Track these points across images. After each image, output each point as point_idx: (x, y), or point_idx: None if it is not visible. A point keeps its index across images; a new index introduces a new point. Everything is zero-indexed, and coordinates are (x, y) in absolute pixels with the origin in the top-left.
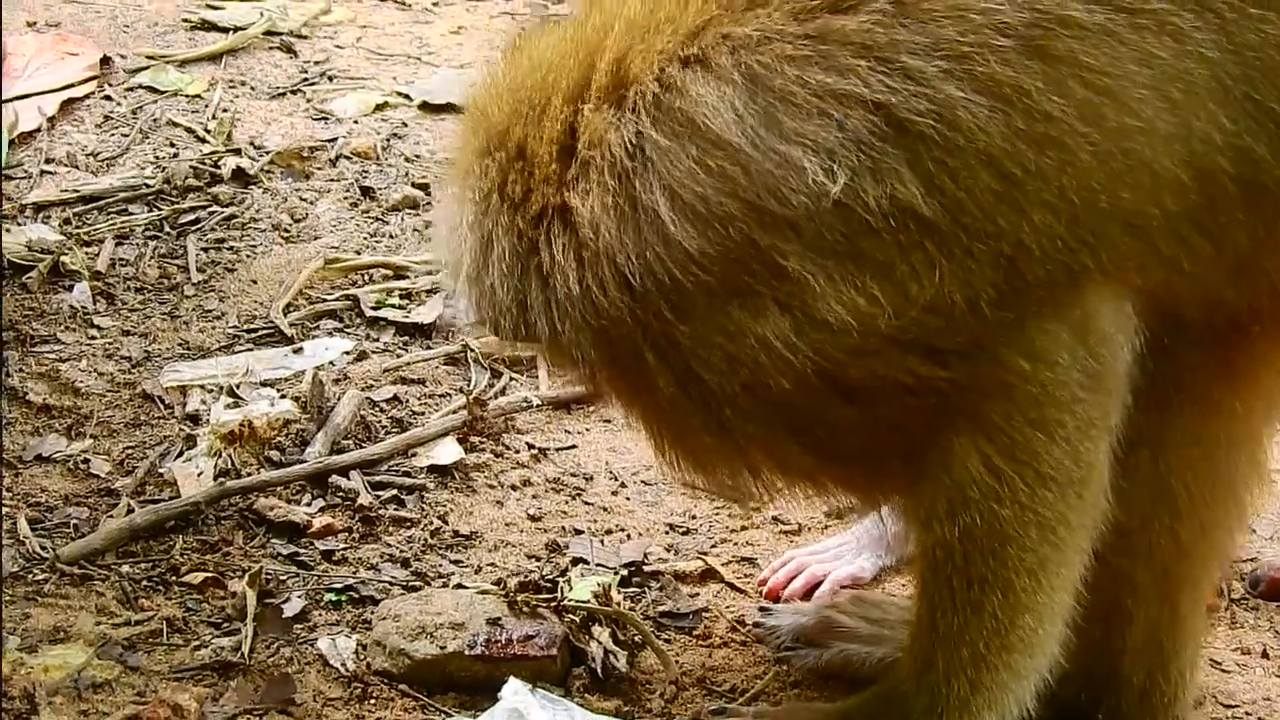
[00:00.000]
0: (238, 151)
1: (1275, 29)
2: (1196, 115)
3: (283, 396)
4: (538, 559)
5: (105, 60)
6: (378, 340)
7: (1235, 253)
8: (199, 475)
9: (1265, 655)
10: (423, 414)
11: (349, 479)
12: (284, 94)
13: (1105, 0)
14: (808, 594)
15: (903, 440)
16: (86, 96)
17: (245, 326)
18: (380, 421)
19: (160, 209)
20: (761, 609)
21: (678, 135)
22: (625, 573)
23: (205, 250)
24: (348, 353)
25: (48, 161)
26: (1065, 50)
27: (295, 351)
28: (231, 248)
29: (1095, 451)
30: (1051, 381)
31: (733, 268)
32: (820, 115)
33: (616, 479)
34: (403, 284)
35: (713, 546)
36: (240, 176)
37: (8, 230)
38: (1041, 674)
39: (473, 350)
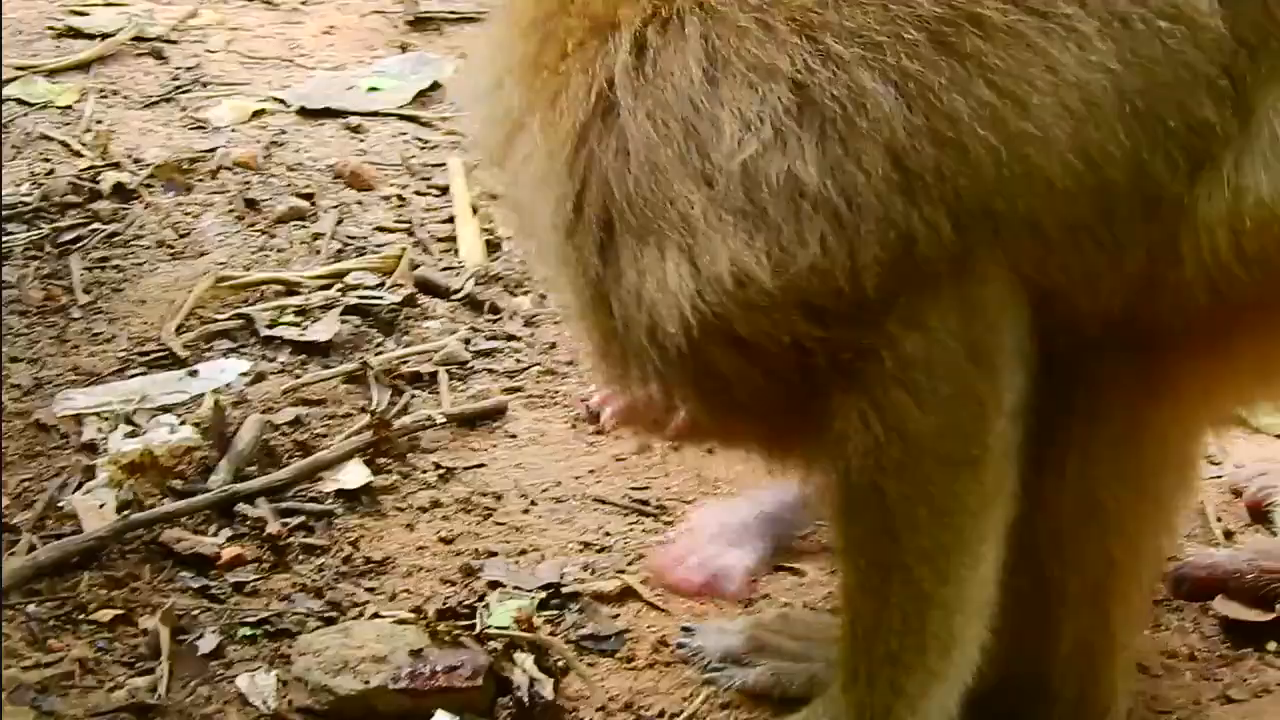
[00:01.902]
0: (116, 165)
1: (1180, 44)
2: (1096, 127)
3: (182, 423)
4: (453, 584)
5: None
6: (274, 360)
7: (1136, 266)
8: (101, 507)
9: (1193, 658)
10: (326, 436)
11: (255, 506)
12: (157, 103)
13: (1018, 1)
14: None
15: (795, 396)
16: None
17: (137, 349)
18: (283, 445)
19: (40, 227)
20: (685, 629)
21: (648, 85)
22: (543, 595)
23: (89, 270)
24: (244, 374)
25: None
26: (973, 49)
27: (190, 374)
28: (117, 266)
29: (986, 432)
30: (926, 346)
31: (653, 211)
32: (748, 86)
33: (526, 497)
34: (296, 300)
35: (630, 564)
36: (121, 191)
37: None
38: (964, 678)
39: (373, 368)
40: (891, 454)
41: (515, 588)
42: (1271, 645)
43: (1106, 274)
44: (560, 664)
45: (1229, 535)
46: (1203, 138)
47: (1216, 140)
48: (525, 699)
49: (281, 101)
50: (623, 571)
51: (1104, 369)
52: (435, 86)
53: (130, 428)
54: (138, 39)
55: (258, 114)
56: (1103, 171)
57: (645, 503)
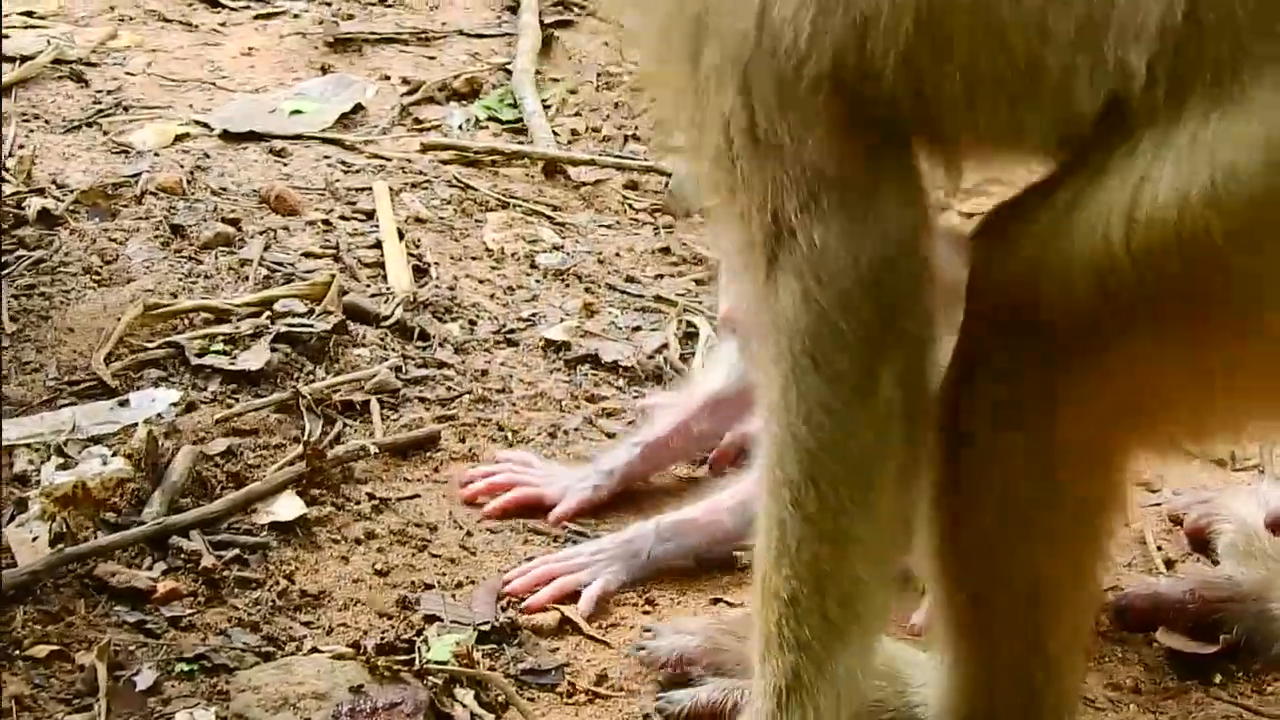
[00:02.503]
0: (41, 191)
1: None
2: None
3: (114, 454)
4: (390, 617)
5: None
6: (205, 389)
7: None
8: (34, 540)
9: (1137, 690)
10: (258, 466)
11: (190, 539)
12: (80, 127)
13: None
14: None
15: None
16: None
17: (66, 379)
18: (216, 476)
19: None
20: (646, 630)
21: None
22: (482, 629)
23: (16, 298)
24: (175, 404)
25: None
26: None
27: (121, 404)
28: (43, 294)
29: (876, 362)
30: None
31: None
32: None
33: (461, 528)
34: (225, 328)
35: (568, 596)
36: (46, 218)
37: None
38: (867, 642)
39: (304, 397)
40: (795, 347)
41: (453, 621)
42: (1216, 677)
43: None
44: (500, 699)
45: (1170, 564)
46: (1127, 94)
47: (1141, 112)
48: None
49: (204, 125)
50: (561, 604)
51: (1022, 373)
52: (357, 109)
53: (62, 459)
54: (58, 61)
55: (180, 138)
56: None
57: (582, 534)
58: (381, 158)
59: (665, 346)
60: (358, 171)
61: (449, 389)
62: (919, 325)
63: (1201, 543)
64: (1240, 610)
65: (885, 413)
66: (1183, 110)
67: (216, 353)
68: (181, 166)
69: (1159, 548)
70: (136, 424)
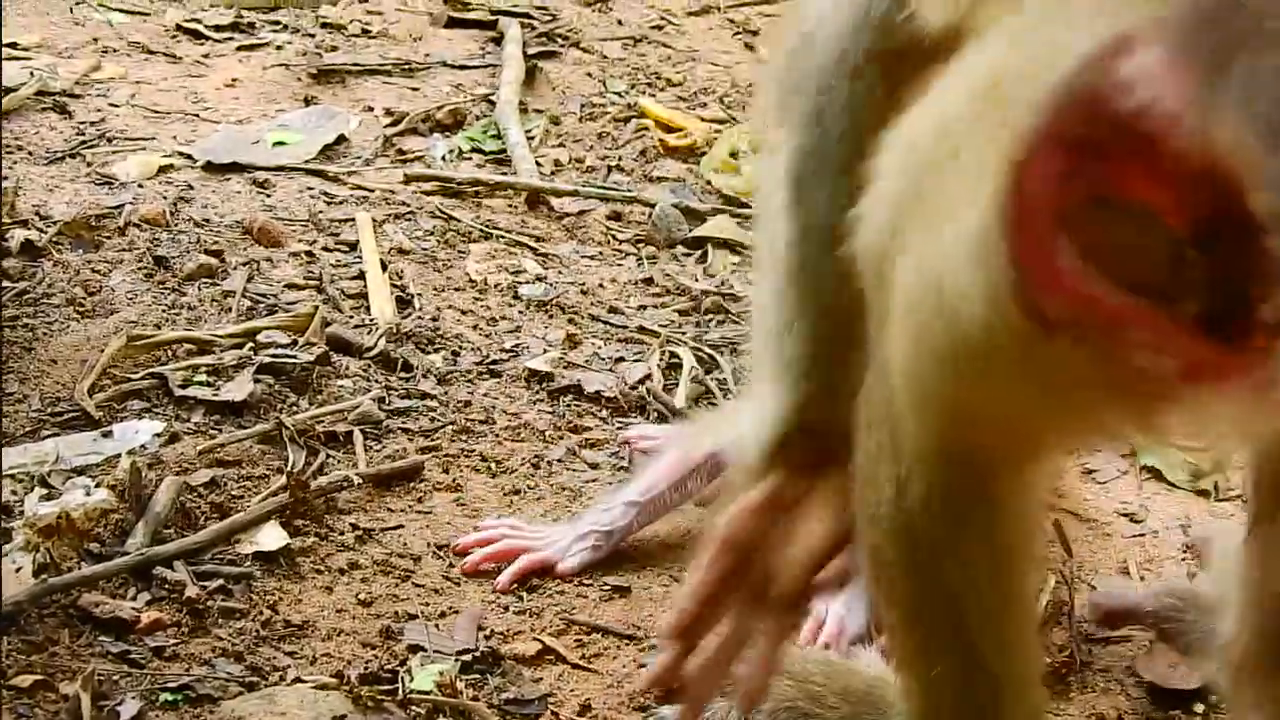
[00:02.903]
0: (24, 223)
1: None
2: None
3: (97, 485)
4: (374, 647)
5: None
6: (188, 420)
7: None
8: (18, 571)
9: None
10: (242, 497)
11: (173, 570)
12: (63, 158)
13: None
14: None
15: None
16: None
17: (49, 410)
18: (200, 507)
19: None
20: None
21: None
22: (465, 659)
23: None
24: (159, 435)
25: None
26: None
27: (104, 435)
28: (26, 325)
29: None
30: None
31: None
32: None
33: (444, 559)
34: (208, 359)
35: (551, 626)
36: (29, 249)
37: None
38: None
39: (288, 428)
40: None
41: (436, 651)
42: (1199, 708)
43: None
44: None
45: None
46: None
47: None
48: None
49: (187, 156)
50: (543, 633)
51: None
52: (340, 140)
53: (45, 490)
54: (41, 93)
55: (163, 169)
56: None
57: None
58: (364, 189)
59: (648, 377)
60: (341, 203)
61: (432, 420)
62: None
63: None
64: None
65: None
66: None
67: (200, 384)
68: (164, 198)
69: (1141, 578)
70: (120, 455)
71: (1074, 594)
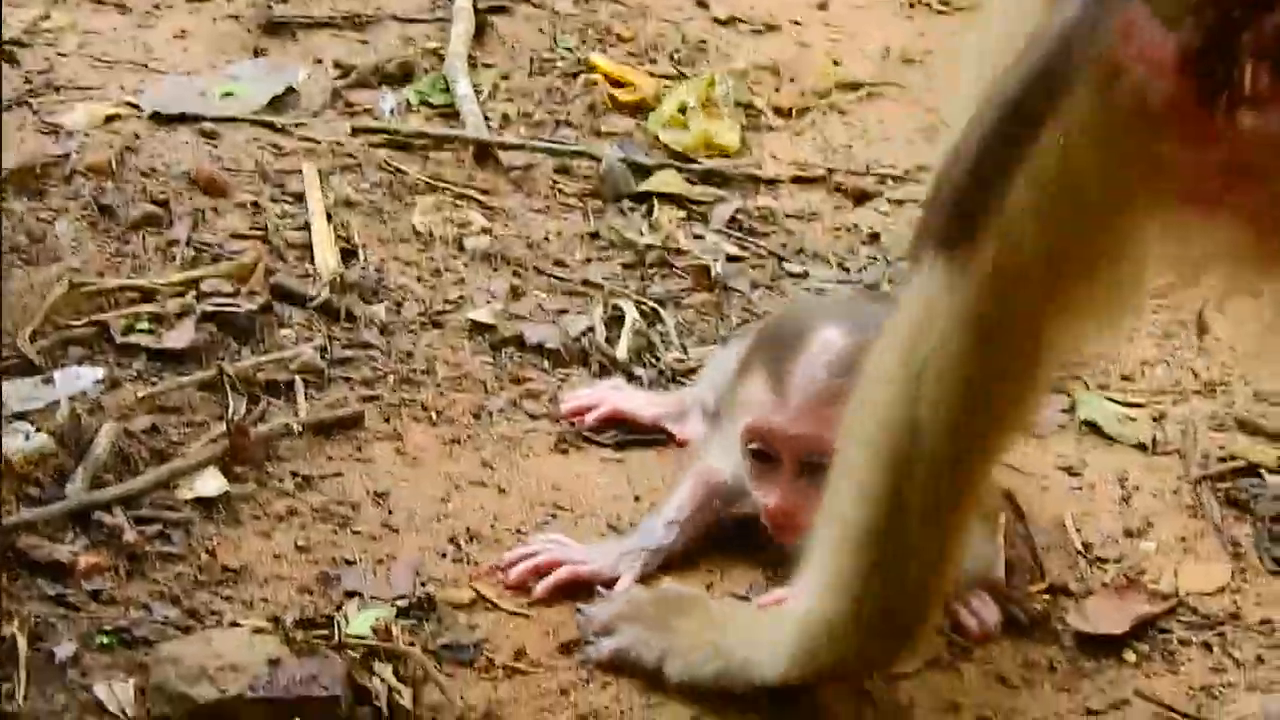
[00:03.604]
0: None
1: None
2: None
3: (37, 430)
4: (310, 592)
5: None
6: (129, 367)
7: None
8: None
9: (1052, 669)
10: (182, 444)
11: (112, 514)
12: (10, 107)
13: None
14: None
15: None
16: None
17: None
18: (139, 453)
19: None
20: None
21: None
22: (401, 604)
23: None
24: (100, 381)
25: None
26: None
27: (45, 381)
28: None
29: None
30: None
31: None
32: None
33: (383, 506)
34: (151, 307)
35: (487, 574)
36: None
37: None
38: None
39: (229, 375)
40: None
41: (373, 597)
42: (1130, 656)
43: None
44: (419, 674)
45: (1088, 547)
46: None
47: None
48: (384, 709)
49: (135, 106)
50: (479, 580)
51: None
52: (289, 92)
53: None
54: None
55: (111, 119)
56: None
57: (501, 515)
58: (312, 140)
59: (591, 330)
60: (288, 154)
61: (374, 369)
62: None
63: None
64: None
65: None
66: None
67: (142, 331)
68: (111, 147)
69: (1078, 530)
70: (60, 401)
71: (1009, 549)
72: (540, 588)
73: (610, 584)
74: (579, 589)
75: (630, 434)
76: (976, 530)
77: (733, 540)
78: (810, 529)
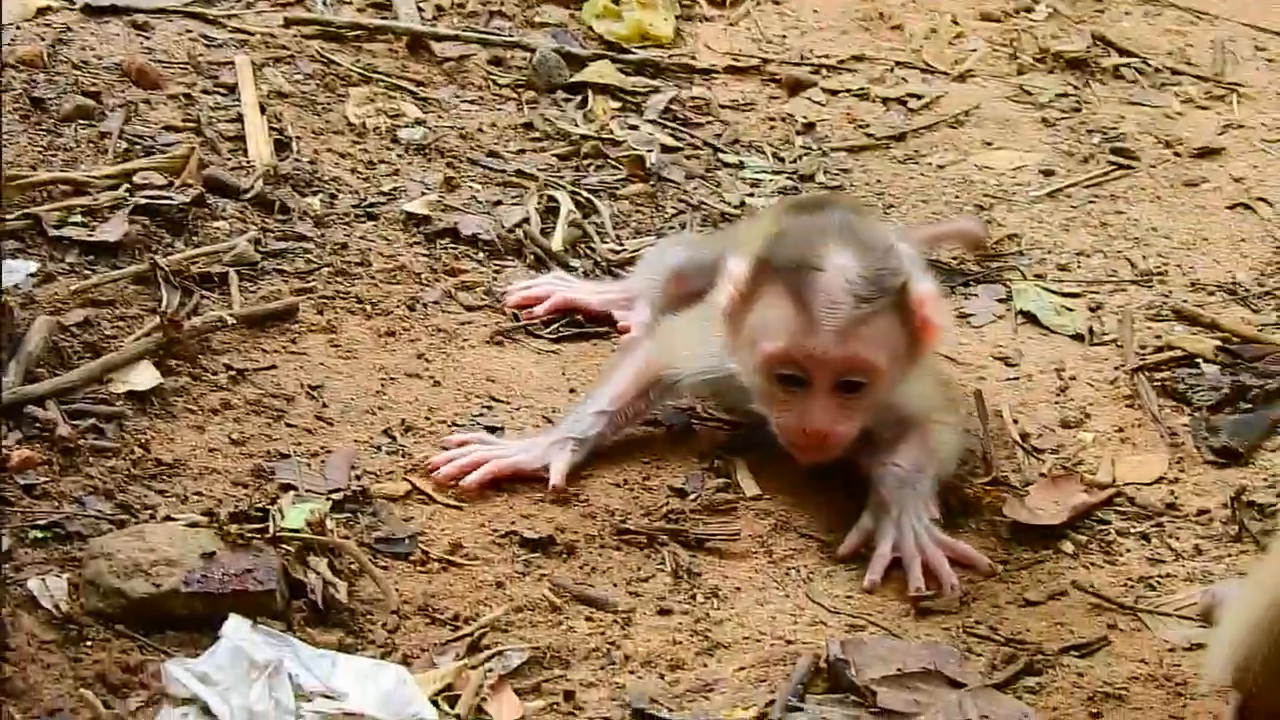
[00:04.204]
0: None
1: None
2: None
3: None
4: (245, 486)
5: None
6: (62, 261)
7: None
8: None
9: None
10: (115, 337)
11: (45, 408)
12: None
13: None
14: None
15: None
16: None
17: None
18: (73, 347)
19: None
20: None
21: None
22: (336, 498)
23: None
24: (33, 275)
25: None
26: None
27: None
28: None
29: None
30: None
31: None
32: None
33: (318, 399)
34: (84, 200)
35: (422, 466)
36: None
37: None
38: None
39: (162, 268)
40: None
41: (308, 490)
42: (1068, 547)
43: None
44: (354, 567)
45: (1025, 437)
46: None
47: None
48: (319, 602)
49: None
50: (413, 473)
51: None
52: None
53: None
54: None
55: (42, 11)
56: None
57: (436, 407)
58: (245, 32)
59: (526, 221)
60: (220, 46)
61: (308, 261)
62: None
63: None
64: None
65: None
66: None
67: (75, 224)
68: (42, 39)
69: (1015, 420)
70: None
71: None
72: (467, 481)
73: (540, 474)
74: (512, 480)
75: (571, 326)
76: (945, 420)
77: (670, 430)
78: (839, 448)
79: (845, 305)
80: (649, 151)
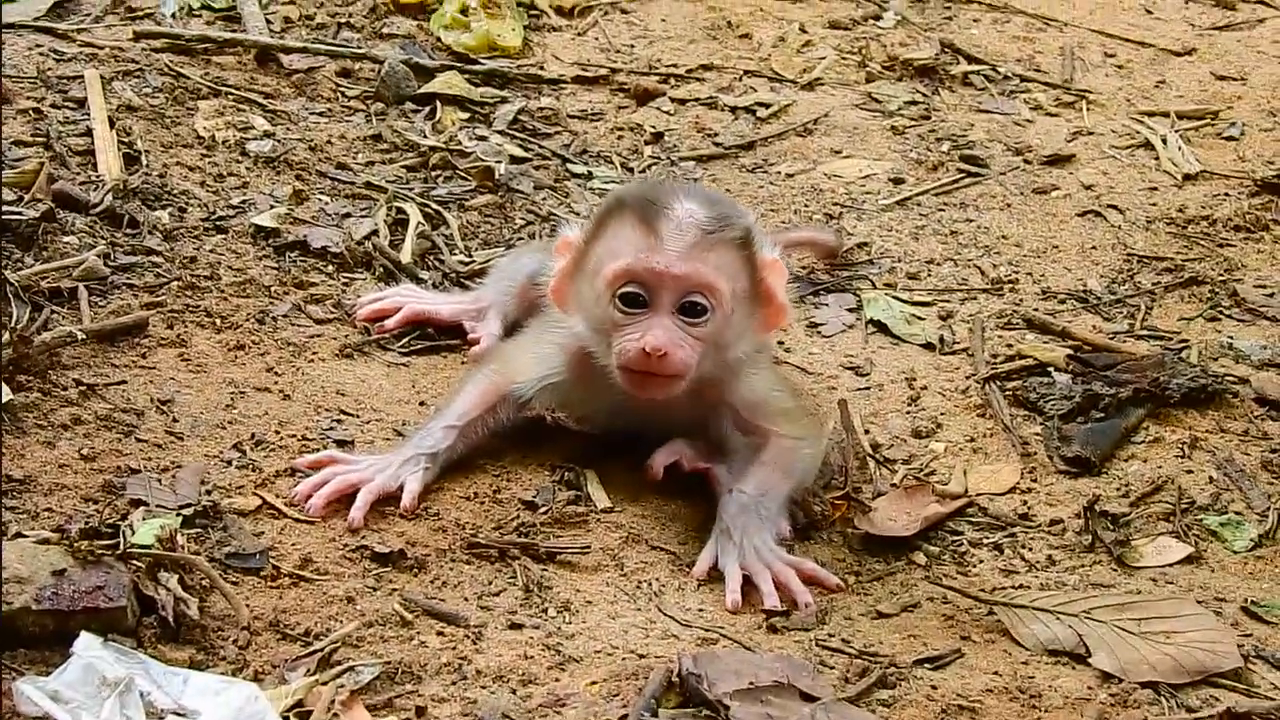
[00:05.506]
0: None
1: None
2: None
3: None
4: (95, 502)
5: None
6: None
7: None
8: None
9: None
10: None
11: None
12: None
13: None
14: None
15: None
16: None
17: None
18: None
19: None
20: None
21: None
22: (187, 513)
23: None
24: None
25: None
26: None
27: None
28: None
29: None
30: None
31: None
32: None
33: (168, 414)
34: None
35: (272, 481)
36: None
37: None
38: None
39: (11, 283)
40: None
41: (158, 505)
42: (920, 558)
43: None
44: (204, 583)
45: (876, 447)
46: None
47: None
48: (170, 619)
49: None
50: (264, 487)
51: None
52: None
53: None
54: None
55: None
56: None
57: (286, 421)
58: (94, 46)
59: (375, 233)
60: (70, 60)
61: (157, 275)
62: None
63: None
64: None
65: None
66: None
67: None
68: None
69: (866, 430)
70: None
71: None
72: (315, 500)
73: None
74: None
75: (421, 339)
76: (800, 435)
77: (520, 444)
78: (678, 379)
79: (691, 231)
80: (497, 162)
